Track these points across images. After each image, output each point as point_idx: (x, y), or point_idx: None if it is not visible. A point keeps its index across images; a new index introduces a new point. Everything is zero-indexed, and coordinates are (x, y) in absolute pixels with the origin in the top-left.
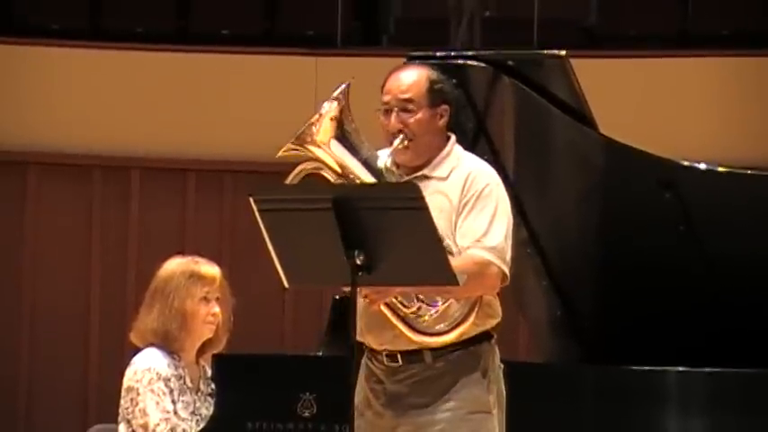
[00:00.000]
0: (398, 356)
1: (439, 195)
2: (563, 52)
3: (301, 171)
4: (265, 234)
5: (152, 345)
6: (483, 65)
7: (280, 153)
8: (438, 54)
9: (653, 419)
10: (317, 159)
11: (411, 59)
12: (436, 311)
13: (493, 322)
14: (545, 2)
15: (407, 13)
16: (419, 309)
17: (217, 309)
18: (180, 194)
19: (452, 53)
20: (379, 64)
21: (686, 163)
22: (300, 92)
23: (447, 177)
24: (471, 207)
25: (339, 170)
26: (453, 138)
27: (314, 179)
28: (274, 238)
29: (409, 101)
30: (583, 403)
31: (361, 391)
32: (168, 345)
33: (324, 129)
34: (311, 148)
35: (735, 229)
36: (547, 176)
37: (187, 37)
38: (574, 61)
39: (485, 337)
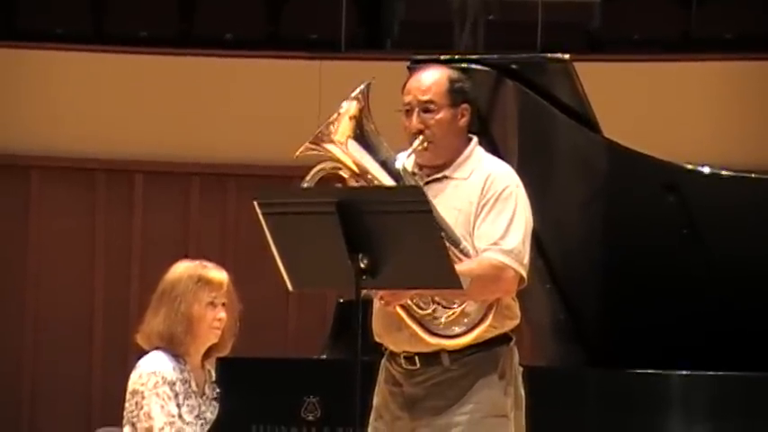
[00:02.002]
0: (416, 359)
1: (459, 196)
2: (566, 56)
3: (319, 171)
4: (269, 238)
5: (158, 348)
6: (486, 68)
7: (298, 152)
8: (442, 58)
9: (656, 423)
10: (334, 159)
11: (414, 63)
12: (452, 313)
13: (511, 324)
14: (548, 6)
15: (411, 16)
16: (435, 311)
17: (223, 314)
18: (183, 198)
19: (456, 57)
20: (382, 68)
21: (690, 166)
22: (304, 96)
23: (468, 178)
24: (490, 209)
25: (356, 170)
26: (475, 139)
27: (330, 179)
28: (278, 242)
29: (430, 101)
30: (586, 407)
31: (379, 393)
32: (174, 348)
33: (342, 128)
34: (329, 146)
35: (738, 233)
36: (550, 180)
37: (191, 41)
38: (577, 65)
39: (503, 339)
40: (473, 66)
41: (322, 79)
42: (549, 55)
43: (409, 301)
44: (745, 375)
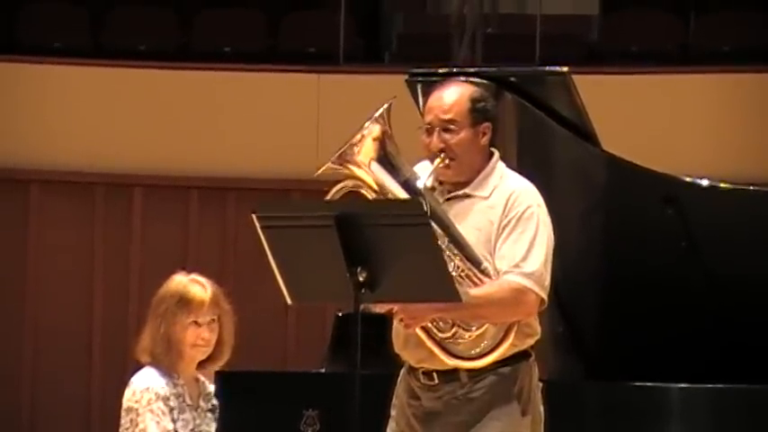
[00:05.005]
0: (434, 375)
1: (480, 215)
2: (565, 68)
3: (341, 188)
4: (268, 251)
5: (150, 363)
6: (485, 81)
7: (320, 171)
8: (440, 71)
9: None
10: (356, 178)
11: (413, 76)
12: (470, 336)
13: (531, 341)
14: (547, 18)
15: (409, 30)
16: (455, 333)
17: (206, 334)
18: (183, 212)
19: (454, 69)
20: (381, 81)
21: (688, 179)
22: (302, 109)
23: (489, 196)
24: (512, 229)
25: (378, 189)
26: (497, 155)
27: (354, 197)
28: (277, 255)
29: (451, 121)
30: (586, 420)
31: (398, 403)
32: (160, 365)
33: (365, 149)
34: (352, 167)
35: (737, 246)
36: (549, 193)
37: (189, 54)
38: (575, 77)
39: (522, 356)
40: (471, 79)
41: (320, 92)
42: (548, 68)
43: (429, 324)
44: (744, 388)
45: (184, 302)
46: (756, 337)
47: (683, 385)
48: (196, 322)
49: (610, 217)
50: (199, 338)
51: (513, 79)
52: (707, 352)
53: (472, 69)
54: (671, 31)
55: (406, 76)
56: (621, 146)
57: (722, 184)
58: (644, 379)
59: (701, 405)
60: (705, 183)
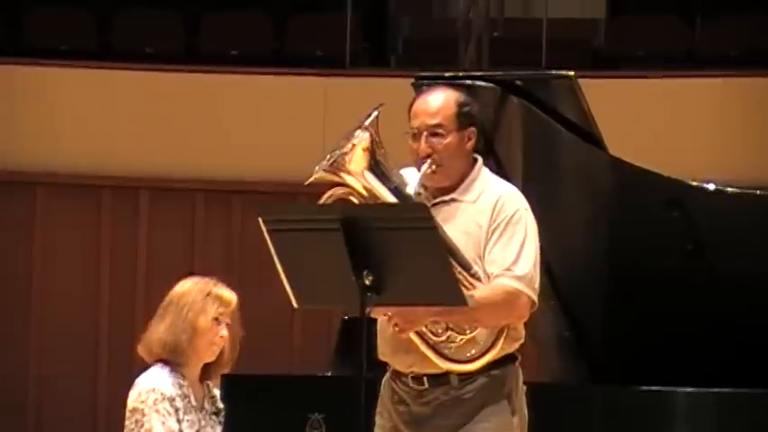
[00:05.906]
0: (424, 379)
1: (467, 219)
2: (571, 72)
3: (330, 196)
4: (274, 254)
5: (157, 361)
6: (491, 85)
7: (311, 179)
8: (446, 75)
9: None
10: (347, 186)
11: (419, 80)
12: (462, 339)
13: (517, 345)
14: (553, 23)
15: (415, 34)
16: (448, 337)
17: (225, 332)
18: (189, 215)
19: (461, 74)
20: (387, 85)
21: (694, 183)
22: (309, 112)
23: (476, 201)
24: (501, 233)
25: (368, 197)
26: (480, 160)
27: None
28: (283, 259)
29: (438, 125)
30: (591, 424)
31: (384, 411)
32: (175, 357)
33: (356, 158)
34: (344, 175)
35: (743, 249)
36: (555, 197)
37: (196, 57)
38: (581, 81)
39: (509, 359)
40: (477, 83)
41: (327, 96)
42: (554, 72)
43: (423, 328)
44: (750, 392)
45: (214, 297)
46: (762, 340)
47: (688, 389)
48: (217, 319)
49: (615, 220)
50: (218, 335)
51: (519, 83)
52: (712, 356)
53: (478, 73)
54: (677, 35)
55: (413, 80)
56: (627, 149)
57: (728, 188)
58: (649, 383)
59: (706, 409)
60: (711, 186)
